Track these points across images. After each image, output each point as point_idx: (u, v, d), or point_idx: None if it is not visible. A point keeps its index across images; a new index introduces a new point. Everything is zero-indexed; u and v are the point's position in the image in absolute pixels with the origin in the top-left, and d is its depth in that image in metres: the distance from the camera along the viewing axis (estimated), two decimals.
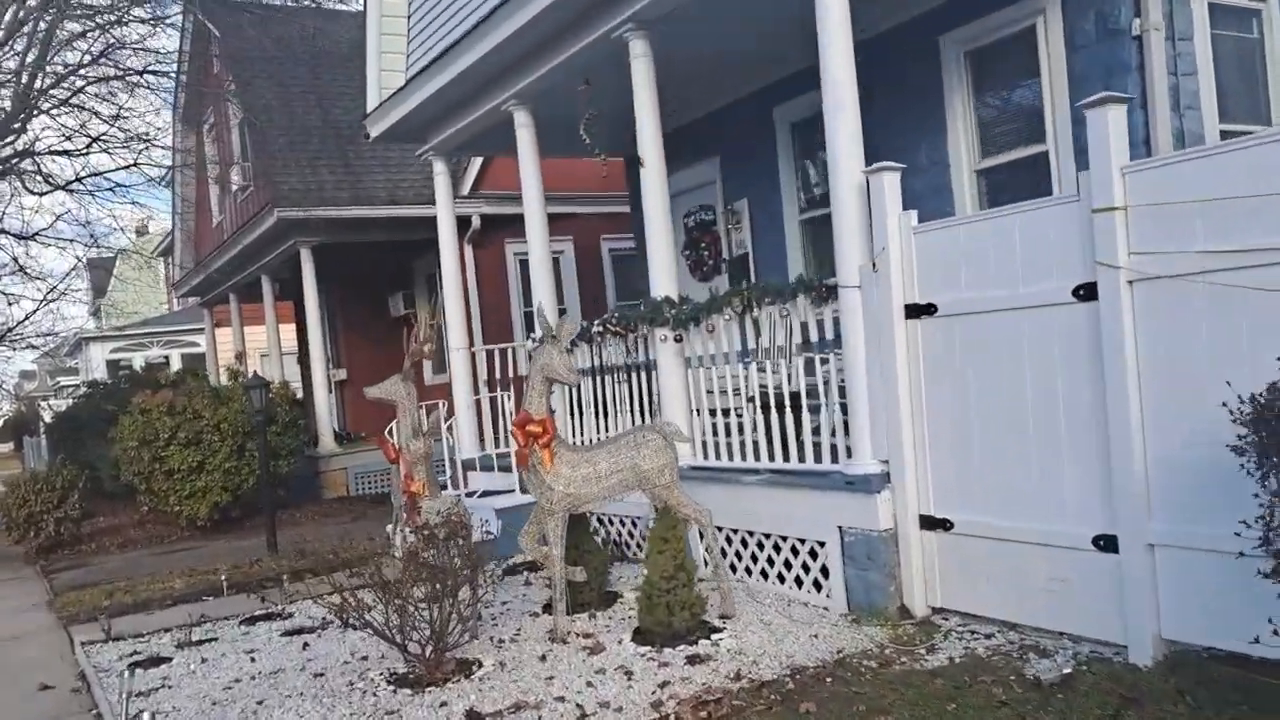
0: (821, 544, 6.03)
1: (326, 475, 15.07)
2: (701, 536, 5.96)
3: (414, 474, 6.31)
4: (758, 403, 6.60)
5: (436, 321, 7.31)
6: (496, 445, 10.49)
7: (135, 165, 14.21)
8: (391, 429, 10.04)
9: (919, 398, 5.47)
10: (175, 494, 12.64)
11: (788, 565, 6.33)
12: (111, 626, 7.75)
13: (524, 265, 16.24)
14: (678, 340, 7.22)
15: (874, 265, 5.56)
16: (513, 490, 9.09)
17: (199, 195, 19.94)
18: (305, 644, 6.67)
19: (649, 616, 5.59)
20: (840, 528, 5.85)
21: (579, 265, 16.64)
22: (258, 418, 10.21)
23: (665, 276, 7.41)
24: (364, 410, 17.47)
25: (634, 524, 7.85)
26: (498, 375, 10.44)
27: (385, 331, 17.69)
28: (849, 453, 5.84)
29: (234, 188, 17.28)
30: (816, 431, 6.19)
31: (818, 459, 6.14)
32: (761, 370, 6.50)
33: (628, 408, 7.87)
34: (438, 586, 5.37)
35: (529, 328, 15.87)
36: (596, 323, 8.06)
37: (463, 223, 15.61)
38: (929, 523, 5.46)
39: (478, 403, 10.35)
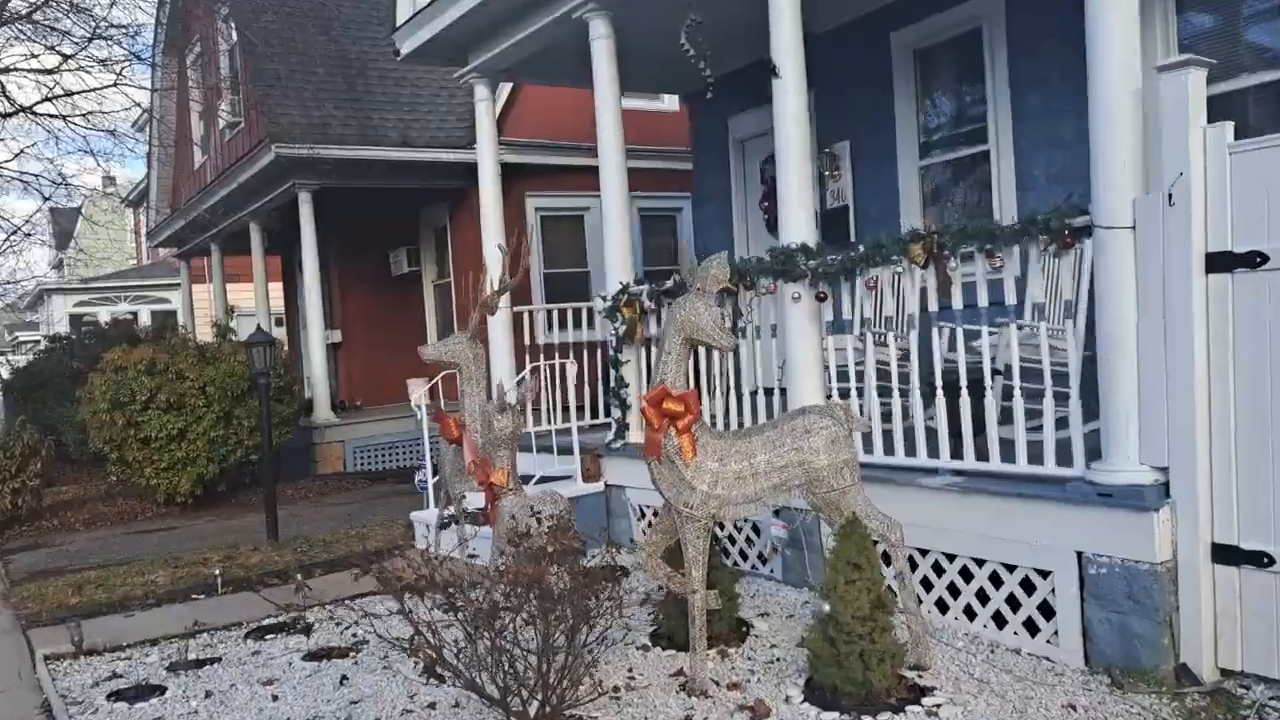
0: (1043, 574, 4.55)
1: (321, 449, 13.44)
2: (889, 561, 4.46)
3: (493, 460, 4.78)
4: (939, 381, 5.10)
5: (524, 255, 5.68)
6: (538, 421, 8.93)
7: (115, 85, 12.38)
8: (414, 398, 8.47)
9: (1224, 383, 3.98)
10: (152, 465, 10.98)
11: (982, 598, 4.85)
12: (83, 635, 6.17)
13: (545, 221, 14.73)
14: (820, 299, 5.70)
15: (1169, 198, 4.05)
16: (570, 476, 7.57)
17: (179, 135, 18.09)
18: (343, 677, 5.13)
19: (835, 670, 4.08)
20: (1080, 554, 4.36)
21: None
22: (262, 379, 8.57)
23: (800, 219, 5.87)
24: (361, 377, 15.83)
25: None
26: (542, 340, 8.86)
27: (385, 291, 16.02)
28: (1098, 454, 4.34)
29: (221, 124, 15.48)
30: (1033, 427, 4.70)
31: (1033, 459, 4.65)
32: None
33: (720, 387, 6.32)
34: (556, 625, 3.83)
35: (548, 289, 14.33)
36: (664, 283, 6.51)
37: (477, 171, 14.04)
38: (1228, 555, 3.99)
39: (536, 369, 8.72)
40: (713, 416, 6.35)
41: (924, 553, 5.07)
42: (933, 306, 5.13)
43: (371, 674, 5.17)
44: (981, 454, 4.88)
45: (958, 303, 4.98)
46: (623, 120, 7.56)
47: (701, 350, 6.64)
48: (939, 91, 7.94)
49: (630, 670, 4.73)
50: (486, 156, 9.03)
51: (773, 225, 9.21)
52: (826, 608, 4.15)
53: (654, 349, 7.07)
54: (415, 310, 16.12)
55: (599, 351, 8.81)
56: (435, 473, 8.69)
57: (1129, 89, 4.20)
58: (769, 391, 6.14)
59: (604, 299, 7.36)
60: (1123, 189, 4.20)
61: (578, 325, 8.98)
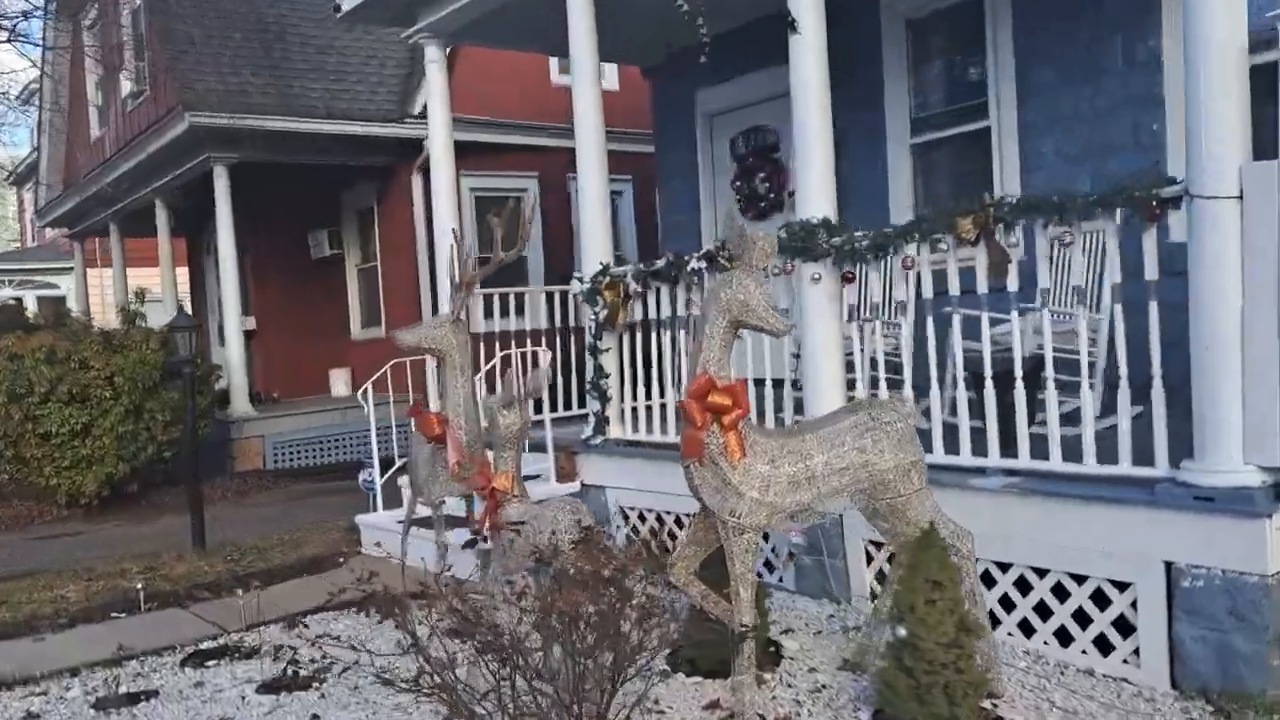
0: (1120, 586, 4.08)
1: (239, 444, 12.44)
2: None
3: (494, 461, 4.09)
4: (988, 371, 4.60)
5: (527, 225, 4.97)
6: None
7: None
8: (361, 389, 7.69)
9: None
10: (52, 463, 9.93)
11: (1042, 612, 4.37)
12: None
13: (480, 202, 13.91)
14: (846, 280, 5.15)
15: None
16: (541, 476, 6.89)
17: (74, 103, 16.71)
18: (314, 716, 4.39)
19: (916, 705, 3.53)
20: (1170, 564, 3.90)
21: (544, 208, 14.29)
22: (186, 368, 7.68)
23: (821, 191, 5.31)
24: (278, 368, 14.81)
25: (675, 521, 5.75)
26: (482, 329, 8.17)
27: (304, 276, 15.00)
28: (1189, 452, 3.88)
29: (124, 92, 14.26)
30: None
31: (1104, 459, 4.18)
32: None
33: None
34: (595, 660, 3.19)
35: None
36: (695, 258, 5.89)
37: (412, 147, 13.21)
38: None
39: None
40: None
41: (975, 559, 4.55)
42: (981, 288, 4.63)
43: (346, 710, 4.46)
44: (1039, 452, 4.39)
45: (1013, 284, 4.47)
46: (558, 98, 6.97)
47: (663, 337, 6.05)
48: (933, 64, 7.48)
49: (657, 702, 4.11)
50: (439, 125, 8.26)
51: (745, 206, 8.69)
52: (902, 632, 3.59)
53: (638, 334, 6.46)
54: (337, 296, 15.16)
55: (542, 340, 8.13)
56: (384, 471, 7.92)
57: (1235, 44, 3.72)
58: (778, 383, 5.58)
59: (580, 281, 6.71)
60: (1227, 155, 3.72)
61: (519, 312, 8.28)
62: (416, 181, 13.42)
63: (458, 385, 4.89)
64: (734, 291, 3.77)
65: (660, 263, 6.17)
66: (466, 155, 13.26)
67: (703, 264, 5.83)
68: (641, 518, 6.34)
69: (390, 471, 7.91)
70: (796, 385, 5.58)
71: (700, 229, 9.21)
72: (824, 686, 4.18)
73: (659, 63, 9.53)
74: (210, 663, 5.28)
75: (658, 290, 6.20)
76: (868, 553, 5.10)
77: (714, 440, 3.77)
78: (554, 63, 14.56)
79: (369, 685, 4.56)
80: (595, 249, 6.67)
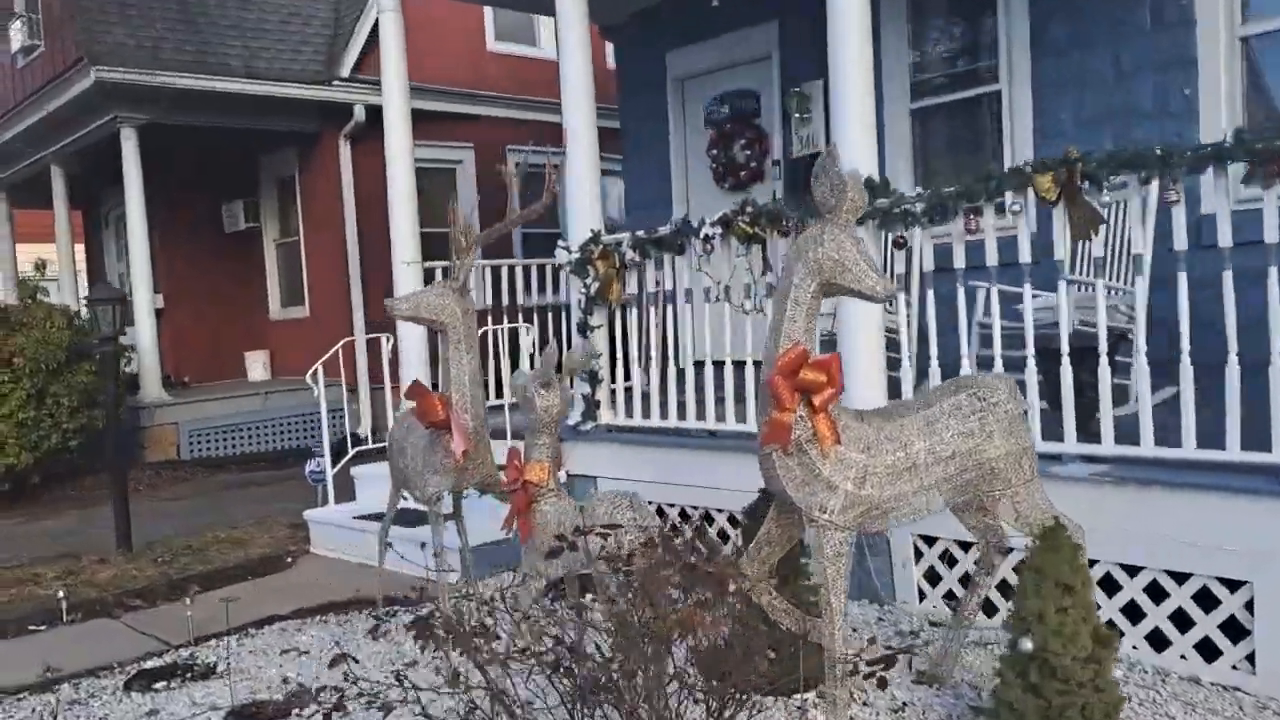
0: (1231, 584, 3.66)
1: (151, 432, 11.40)
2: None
3: (526, 450, 3.44)
4: (1064, 348, 4.14)
5: (550, 180, 4.27)
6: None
7: None
8: (311, 370, 6.92)
9: None
10: None
11: (1132, 613, 3.93)
12: None
13: (415, 175, 13.04)
14: (899, 245, 4.64)
15: None
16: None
17: None
18: None
19: None
20: None
21: (480, 182, 13.54)
22: (107, 347, 6.78)
23: (863, 146, 4.76)
24: (189, 350, 13.72)
25: (680, 514, 5.20)
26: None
27: (217, 251, 13.91)
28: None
29: (14, 46, 12.97)
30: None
31: (1204, 443, 3.75)
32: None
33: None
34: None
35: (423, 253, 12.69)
36: (709, 223, 5.30)
37: (339, 112, 12.30)
38: None
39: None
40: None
41: None
42: (1060, 254, 4.16)
43: None
44: (1127, 436, 3.95)
45: (1099, 248, 4.01)
46: (495, 66, 6.31)
47: (666, 313, 5.48)
48: (936, 22, 7.02)
49: None
50: (394, 80, 7.48)
51: (723, 175, 8.16)
52: (1029, 645, 3.09)
53: (629, 311, 5.86)
54: (254, 273, 14.13)
55: (519, 316, 7.51)
56: (337, 460, 7.16)
57: None
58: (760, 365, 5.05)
59: (567, 250, 6.05)
60: None
61: (495, 288, 7.62)
62: (344, 149, 12.53)
63: (462, 363, 4.21)
64: (826, 248, 3.20)
65: (665, 229, 5.57)
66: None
67: (718, 230, 5.25)
68: (684, 515, 5.74)
69: (343, 461, 7.16)
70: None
71: (671, 200, 8.62)
72: (905, 705, 3.66)
73: (622, 21, 8.90)
74: (159, 685, 4.54)
75: (658, 260, 5.60)
76: (917, 549, 4.61)
77: (802, 426, 3.21)
78: (490, 28, 13.81)
79: (364, 713, 3.90)
80: (584, 215, 6.04)
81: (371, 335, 7.38)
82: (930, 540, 4.56)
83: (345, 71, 12.21)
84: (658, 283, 5.68)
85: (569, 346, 6.47)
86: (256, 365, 13.72)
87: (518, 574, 3.63)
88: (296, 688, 4.35)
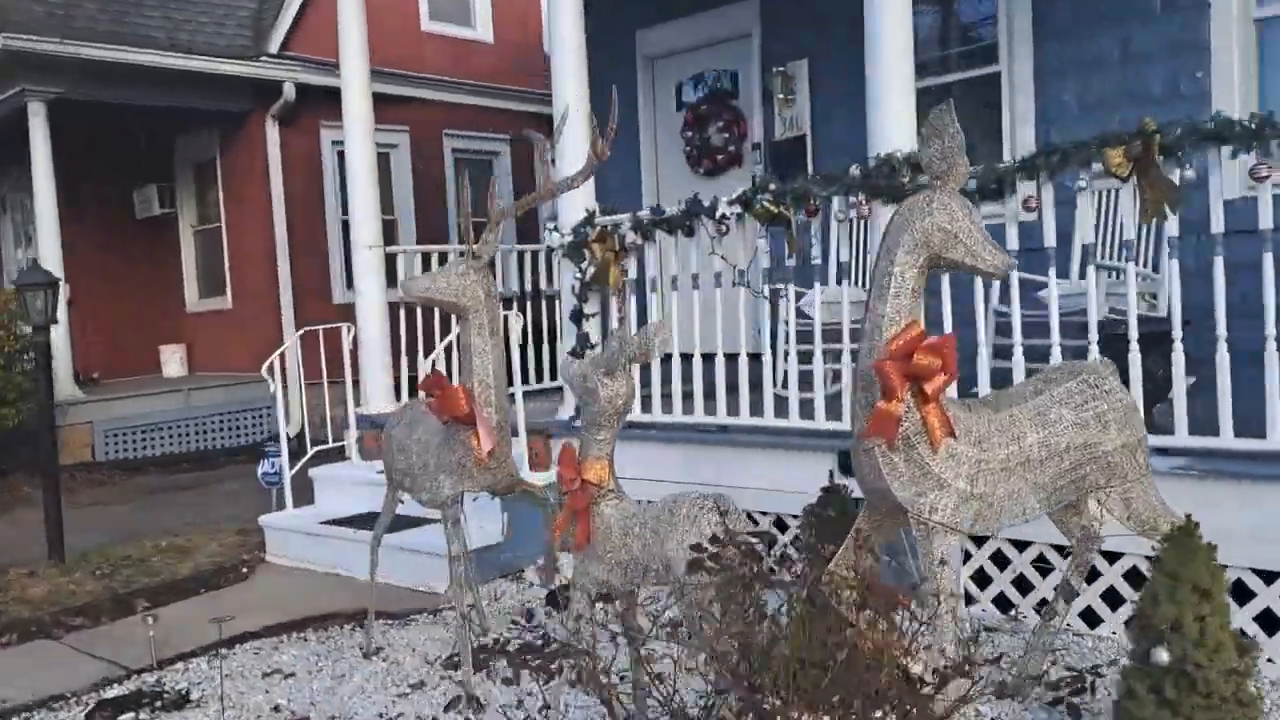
0: None
1: (63, 432, 10.48)
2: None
3: (583, 446, 3.02)
4: (1133, 333, 3.89)
5: (608, 139, 3.80)
6: (414, 395, 7.02)
7: None
8: (268, 361, 6.34)
9: None
10: None
11: (1268, 623, 3.68)
12: None
13: (344, 158, 12.32)
14: None
15: None
16: None
17: None
18: None
19: None
20: None
21: (415, 167, 12.95)
22: (40, 336, 6.07)
23: (902, 117, 4.47)
24: (98, 344, 12.76)
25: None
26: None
27: (128, 238, 12.96)
28: None
29: None
30: None
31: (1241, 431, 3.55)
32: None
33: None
34: None
35: (347, 240, 12.04)
36: (726, 202, 4.93)
37: (267, 90, 11.56)
38: None
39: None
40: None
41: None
42: (1129, 234, 3.92)
43: None
44: (1204, 426, 3.73)
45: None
46: (431, 47, 5.88)
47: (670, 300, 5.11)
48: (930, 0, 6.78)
49: None
50: (355, 48, 6.93)
51: (697, 159, 7.81)
52: (1165, 656, 2.80)
53: (619, 297, 5.46)
54: (169, 262, 13.22)
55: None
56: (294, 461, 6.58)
57: None
58: (731, 358, 4.76)
59: (558, 232, 5.63)
60: None
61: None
62: (272, 130, 11.79)
63: (485, 351, 3.75)
64: (935, 217, 2.87)
65: (673, 209, 5.19)
66: (327, 105, 11.77)
67: (736, 209, 4.90)
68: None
69: (301, 462, 6.58)
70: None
71: (640, 186, 8.23)
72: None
73: None
74: (126, 717, 3.97)
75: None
76: (965, 550, 4.32)
77: (911, 418, 2.87)
78: (424, 7, 13.21)
79: None
80: (578, 195, 5.59)
81: (331, 325, 6.82)
82: (979, 540, 4.28)
83: (274, 47, 11.47)
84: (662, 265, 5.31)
85: (560, 336, 6.04)
86: (173, 360, 12.85)
87: (519, 579, 3.21)
88: (292, 717, 3.85)
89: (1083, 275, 4.98)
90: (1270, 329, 3.56)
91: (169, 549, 6.53)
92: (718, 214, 4.92)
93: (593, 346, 5.57)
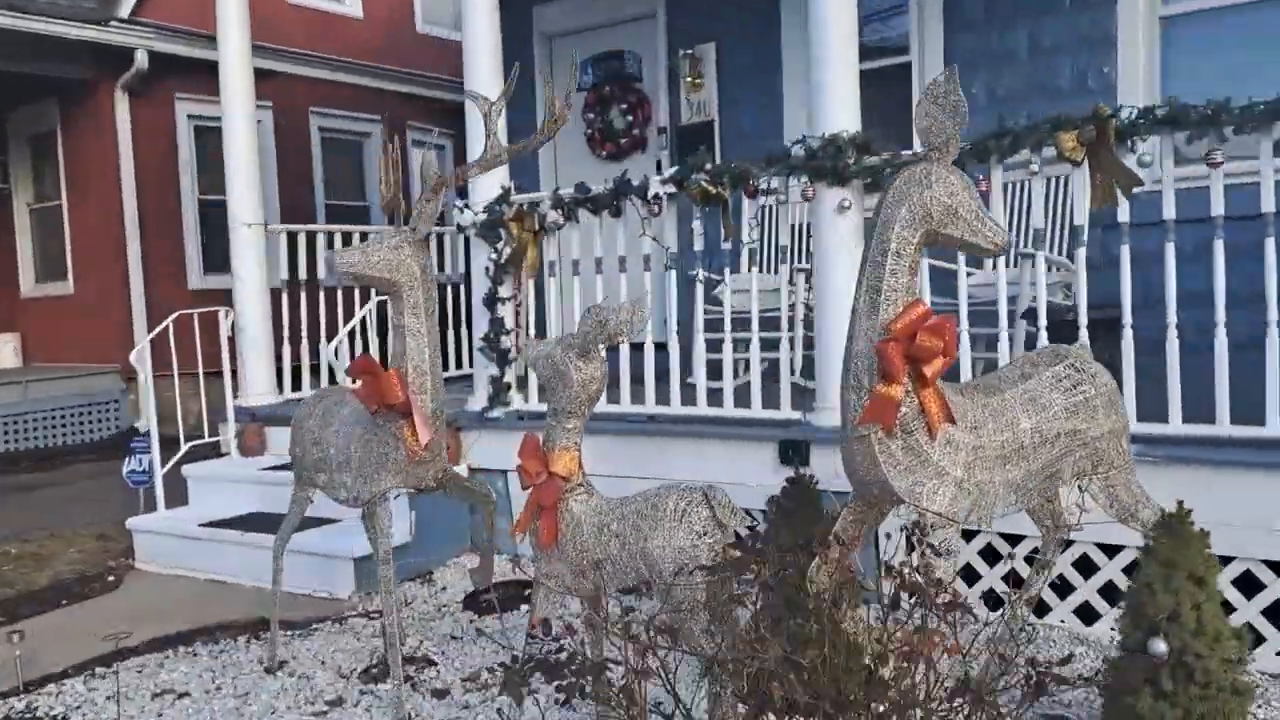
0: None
1: None
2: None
3: (549, 435, 2.73)
4: (1084, 320, 3.86)
5: (562, 110, 3.49)
6: (296, 386, 6.58)
7: None
8: (137, 348, 5.76)
9: None
10: None
11: None
12: None
13: (199, 133, 11.55)
14: None
15: None
16: None
17: None
18: None
19: None
20: None
21: (280, 144, 12.22)
22: None
23: (846, 100, 4.32)
24: None
25: None
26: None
27: None
28: None
29: None
30: None
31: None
32: None
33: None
34: None
35: (206, 221, 11.28)
36: (659, 180, 4.71)
37: (117, 58, 10.67)
38: None
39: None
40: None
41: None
42: (1080, 219, 3.89)
43: None
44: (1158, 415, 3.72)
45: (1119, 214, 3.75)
46: (294, 20, 5.50)
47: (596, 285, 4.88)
48: None
49: None
50: (233, 6, 6.38)
51: (600, 142, 7.57)
52: (1162, 647, 2.73)
53: (518, 280, 5.19)
54: (1, 243, 12.11)
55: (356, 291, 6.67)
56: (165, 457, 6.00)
57: None
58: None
59: (470, 210, 5.29)
60: None
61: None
62: (122, 102, 10.89)
63: (421, 333, 3.41)
64: (934, 190, 2.72)
65: (599, 188, 4.93)
66: (181, 75, 11.12)
67: (668, 189, 4.68)
68: None
69: (175, 459, 6.01)
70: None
71: (538, 169, 7.91)
72: None
73: None
74: None
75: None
76: (910, 542, 4.20)
77: (910, 404, 2.71)
78: None
79: None
80: (493, 171, 5.26)
81: (207, 309, 6.25)
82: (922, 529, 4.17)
83: (125, 11, 10.58)
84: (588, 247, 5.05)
85: (467, 321, 5.69)
86: (5, 349, 11.78)
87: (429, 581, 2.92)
88: None
89: (1013, 264, 5.03)
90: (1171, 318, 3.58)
91: (21, 557, 5.87)
92: (650, 193, 4.69)
93: (509, 333, 5.26)
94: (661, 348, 4.80)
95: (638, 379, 4.83)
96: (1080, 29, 5.88)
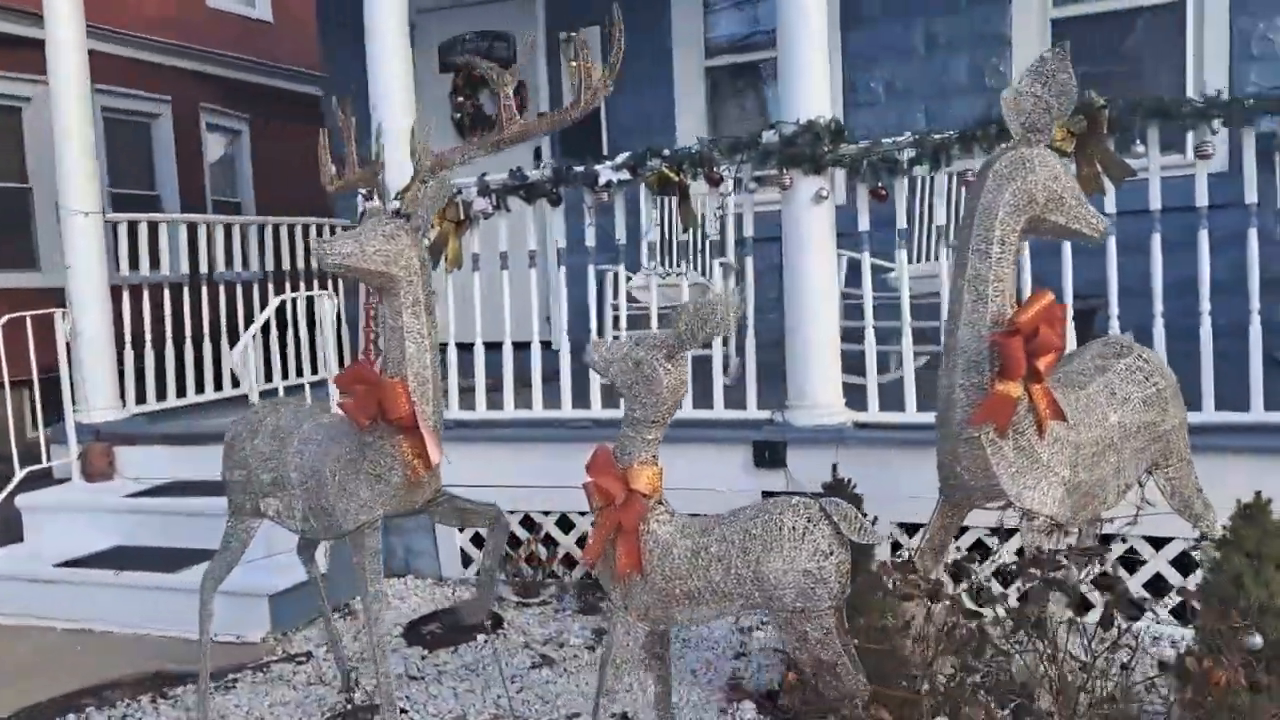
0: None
1: None
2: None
3: (624, 446, 2.34)
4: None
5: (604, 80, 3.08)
6: (161, 397, 5.80)
7: None
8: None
9: None
10: None
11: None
12: None
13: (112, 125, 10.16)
14: (879, 198, 4.06)
15: None
16: None
17: None
18: None
19: None
20: None
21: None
22: None
23: (819, 84, 4.13)
24: None
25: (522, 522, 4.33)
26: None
27: None
28: None
29: None
30: None
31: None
32: None
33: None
34: None
35: None
36: (610, 166, 4.37)
37: None
38: None
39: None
40: None
41: None
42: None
43: None
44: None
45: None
46: None
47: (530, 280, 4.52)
48: None
49: None
50: None
51: (470, 128, 7.09)
52: (1258, 640, 2.70)
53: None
54: None
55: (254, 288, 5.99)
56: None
57: None
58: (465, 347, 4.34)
59: (380, 198, 4.74)
60: None
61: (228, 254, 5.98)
62: None
63: (423, 334, 2.93)
64: (1039, 175, 2.58)
65: (538, 173, 4.54)
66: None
67: (619, 175, 4.35)
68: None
69: (9, 488, 5.09)
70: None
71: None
72: None
73: None
74: None
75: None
76: (895, 542, 4.10)
77: (1024, 407, 2.55)
78: None
79: None
80: (405, 151, 4.75)
81: (42, 311, 5.31)
82: (911, 529, 4.07)
83: None
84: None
85: (374, 318, 5.12)
86: None
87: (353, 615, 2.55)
88: None
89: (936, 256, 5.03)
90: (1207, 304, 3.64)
91: None
92: (600, 180, 4.34)
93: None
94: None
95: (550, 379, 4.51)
96: (976, 27, 6.01)
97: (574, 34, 6.71)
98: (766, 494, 3.77)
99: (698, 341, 2.43)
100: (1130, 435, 2.80)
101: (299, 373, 6.02)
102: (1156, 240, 3.76)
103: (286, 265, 6.41)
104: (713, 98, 6.66)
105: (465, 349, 4.75)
